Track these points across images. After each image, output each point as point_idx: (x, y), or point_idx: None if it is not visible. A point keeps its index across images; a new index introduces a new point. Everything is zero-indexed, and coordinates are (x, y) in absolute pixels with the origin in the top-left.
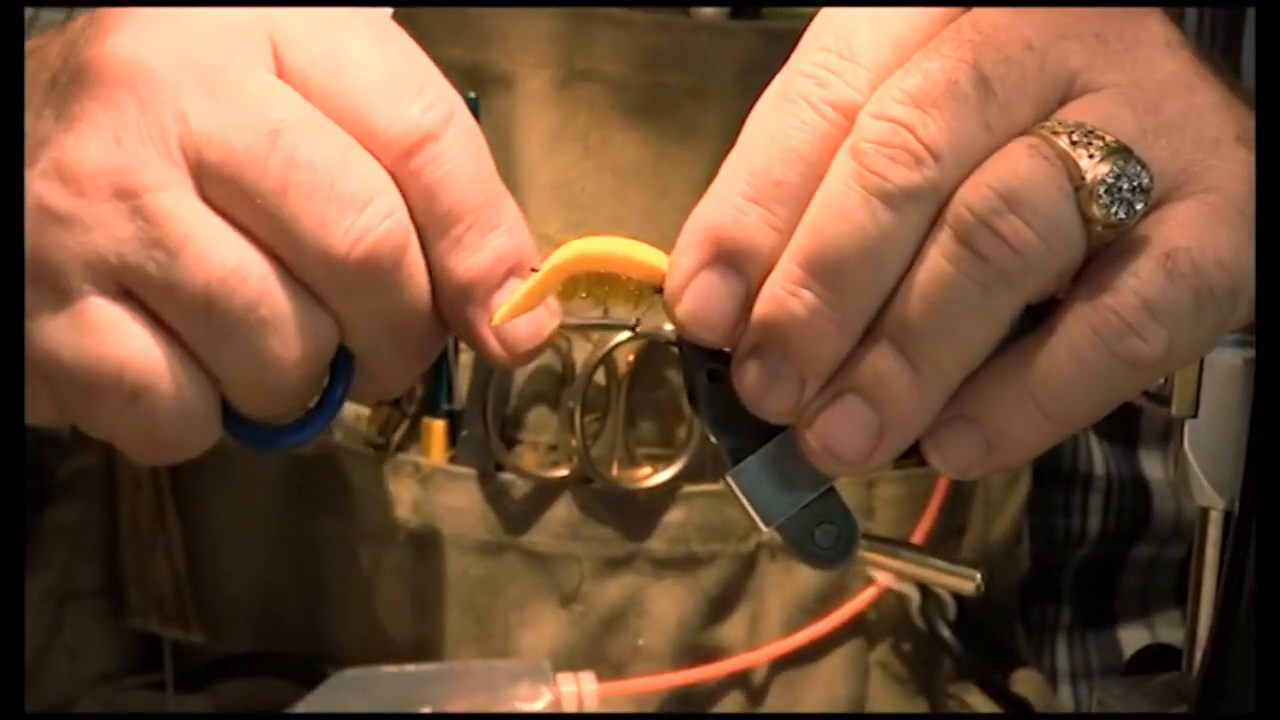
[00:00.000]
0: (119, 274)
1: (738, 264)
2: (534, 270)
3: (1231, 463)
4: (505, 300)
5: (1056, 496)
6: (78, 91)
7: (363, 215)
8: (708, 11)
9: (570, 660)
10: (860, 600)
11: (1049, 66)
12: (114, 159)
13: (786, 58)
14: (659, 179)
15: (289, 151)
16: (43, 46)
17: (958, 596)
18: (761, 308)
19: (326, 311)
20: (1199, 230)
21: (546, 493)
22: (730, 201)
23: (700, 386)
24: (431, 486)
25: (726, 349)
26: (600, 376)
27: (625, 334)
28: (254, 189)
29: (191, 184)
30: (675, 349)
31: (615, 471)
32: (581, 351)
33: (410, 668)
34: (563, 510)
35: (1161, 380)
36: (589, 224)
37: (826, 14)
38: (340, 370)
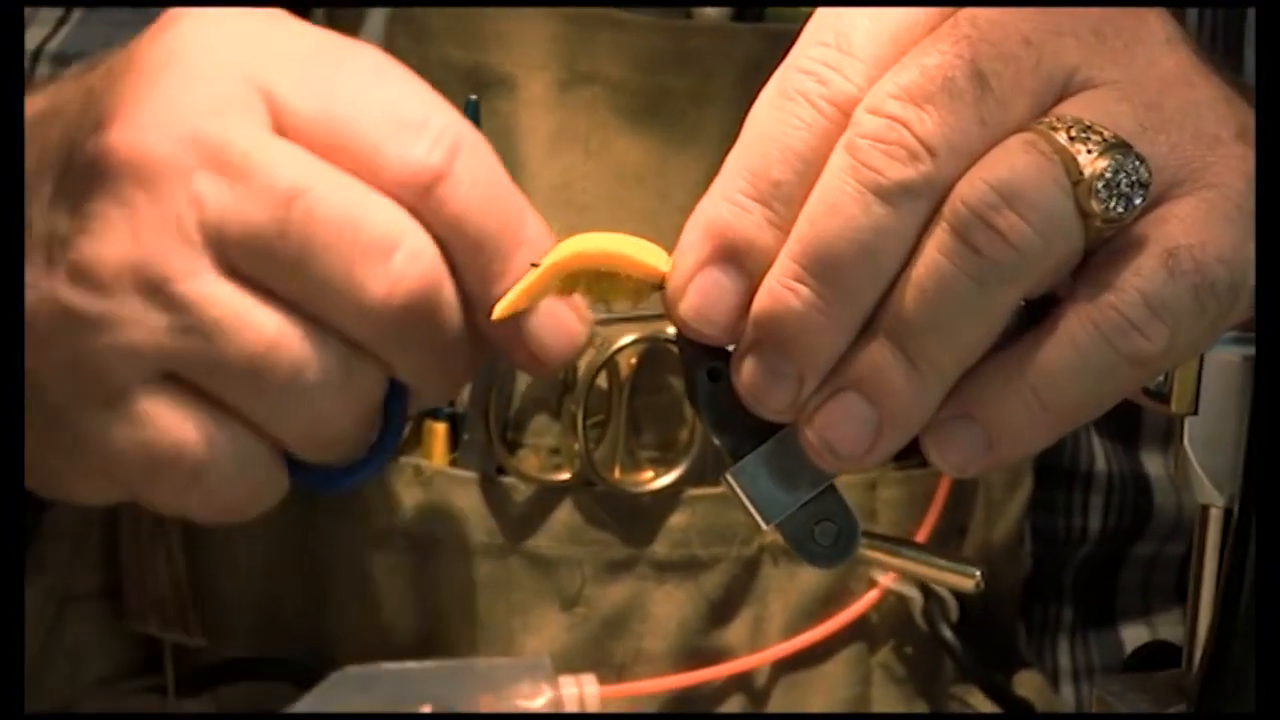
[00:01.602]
0: (162, 363)
1: (739, 261)
2: (534, 266)
3: (1231, 460)
4: (506, 295)
5: (1057, 495)
6: (87, 188)
7: (393, 261)
8: (709, 13)
9: (572, 663)
10: (862, 603)
11: (1046, 62)
12: (134, 254)
13: None
14: (660, 182)
15: (306, 215)
16: (41, 126)
17: (960, 598)
18: (759, 303)
19: (371, 360)
20: (1200, 227)
21: (548, 497)
22: (732, 199)
23: (700, 385)
24: (433, 490)
25: (727, 347)
26: (602, 380)
27: (628, 338)
28: (280, 259)
29: (216, 265)
30: (675, 348)
31: (617, 475)
32: (583, 356)
33: (411, 665)
34: (565, 514)
35: (1161, 378)
36: (589, 227)
37: (825, 11)
38: (395, 402)
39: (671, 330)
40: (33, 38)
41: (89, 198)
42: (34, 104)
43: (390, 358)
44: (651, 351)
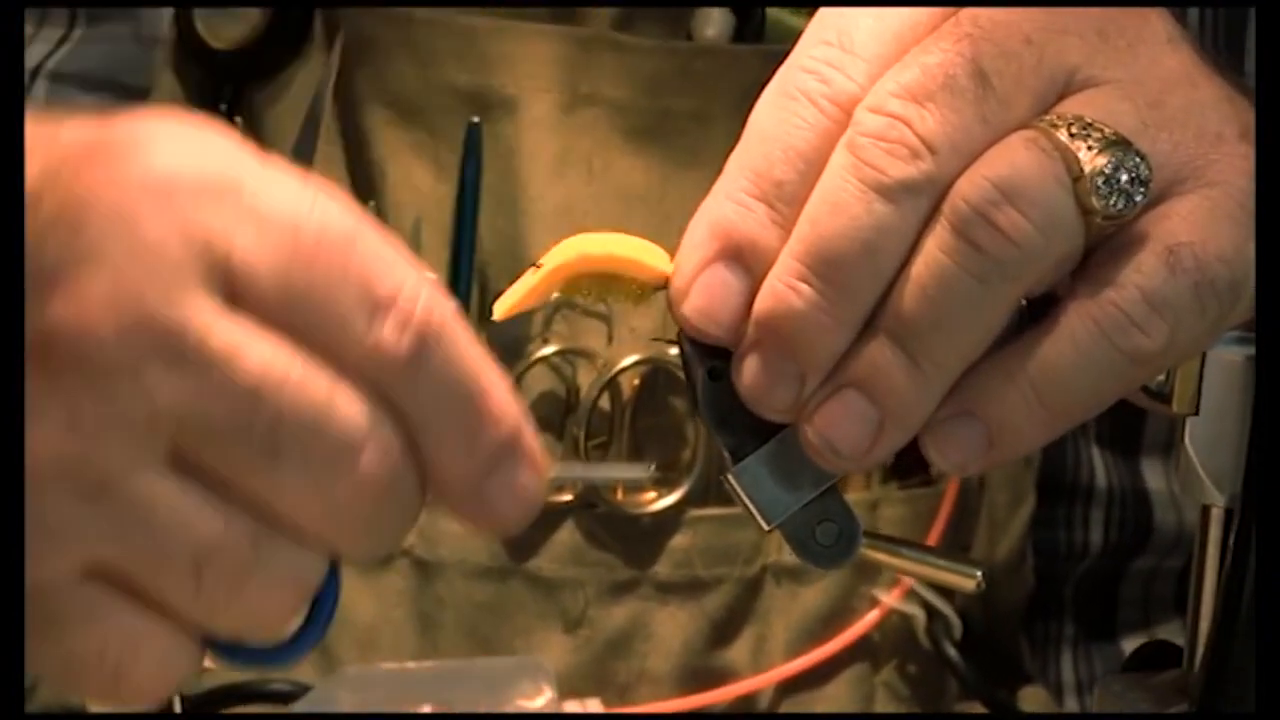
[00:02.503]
0: (90, 562)
1: (743, 260)
2: (537, 267)
3: (1233, 460)
4: (507, 294)
5: (1058, 510)
6: (29, 367)
7: (361, 463)
8: (710, 33)
9: (575, 685)
10: (865, 622)
11: (1048, 61)
12: (69, 449)
13: None
14: (663, 203)
15: (273, 414)
16: None
17: (963, 616)
18: (761, 302)
19: (320, 553)
20: (1201, 225)
21: (551, 518)
22: (735, 198)
23: (702, 385)
24: (436, 512)
25: (728, 348)
26: (604, 402)
27: (631, 359)
28: (239, 456)
29: (162, 460)
30: (677, 347)
31: (619, 496)
32: (586, 377)
33: (411, 665)
34: (567, 536)
35: (1163, 377)
36: None
37: (827, 10)
38: (328, 586)
39: (673, 351)
40: (33, 55)
41: (30, 376)
42: None
43: (341, 548)
44: (653, 373)
